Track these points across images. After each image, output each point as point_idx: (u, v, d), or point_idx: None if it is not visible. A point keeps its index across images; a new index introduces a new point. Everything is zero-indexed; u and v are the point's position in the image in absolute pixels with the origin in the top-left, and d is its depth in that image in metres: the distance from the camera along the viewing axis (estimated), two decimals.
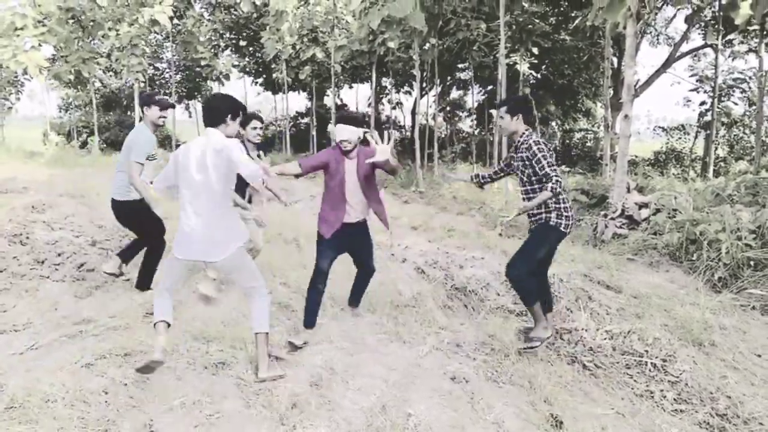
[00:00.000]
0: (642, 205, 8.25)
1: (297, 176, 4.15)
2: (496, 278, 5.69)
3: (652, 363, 3.92)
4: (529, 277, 4.04)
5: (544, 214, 4.05)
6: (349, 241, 4.41)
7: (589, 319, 4.64)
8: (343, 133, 4.12)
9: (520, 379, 3.74)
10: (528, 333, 4.19)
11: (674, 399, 3.54)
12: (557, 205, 4.02)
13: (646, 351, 4.06)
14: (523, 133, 4.10)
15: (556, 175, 3.82)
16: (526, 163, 4.03)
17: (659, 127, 24.03)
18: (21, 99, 25.29)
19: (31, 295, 5.12)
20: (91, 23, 19.95)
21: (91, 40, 21.19)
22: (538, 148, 3.92)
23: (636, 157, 21.46)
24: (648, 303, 5.12)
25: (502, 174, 4.52)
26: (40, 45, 19.76)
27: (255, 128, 5.07)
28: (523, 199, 4.18)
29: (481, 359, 4.06)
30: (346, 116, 4.21)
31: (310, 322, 4.32)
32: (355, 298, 4.86)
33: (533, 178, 4.04)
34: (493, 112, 21.70)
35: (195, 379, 3.56)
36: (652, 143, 26.24)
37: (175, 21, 23.76)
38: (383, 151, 3.91)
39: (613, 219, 8.01)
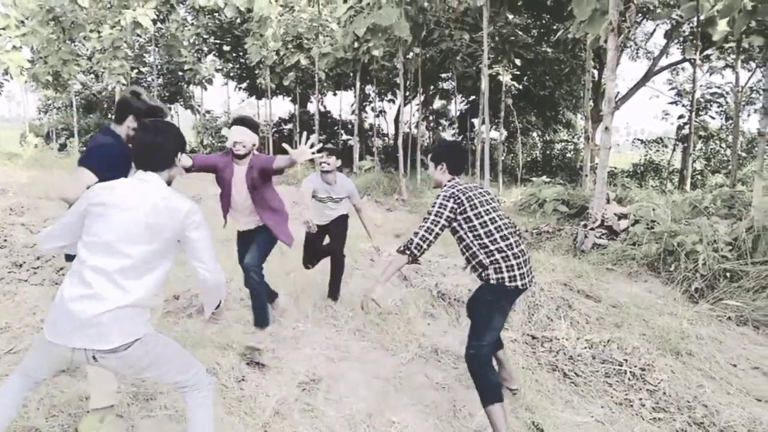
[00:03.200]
0: (621, 216, 8.38)
1: (188, 170, 3.95)
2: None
3: (631, 372, 3.97)
4: (487, 359, 3.17)
5: (480, 271, 3.23)
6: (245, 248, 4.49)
7: (570, 328, 4.70)
8: (239, 135, 4.09)
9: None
10: None
11: (653, 407, 3.59)
12: (491, 258, 3.15)
13: (626, 360, 4.12)
14: (445, 185, 3.35)
15: (422, 230, 3.13)
16: None
17: (638, 139, 24.40)
18: None
19: (9, 298, 5.04)
20: (72, 24, 19.77)
21: (71, 41, 21.00)
22: (434, 203, 3.23)
23: (615, 168, 21.78)
24: (627, 312, 5.19)
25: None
26: (20, 46, 19.55)
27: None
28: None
29: (463, 367, 4.08)
30: (244, 119, 4.21)
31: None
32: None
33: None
34: (476, 121, 21.85)
35: None
36: (631, 155, 26.63)
37: (159, 25, 23.64)
38: (302, 153, 3.69)
39: (592, 229, 8.12)
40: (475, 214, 3.18)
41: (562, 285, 5.75)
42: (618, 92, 18.93)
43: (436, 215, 3.15)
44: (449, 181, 3.36)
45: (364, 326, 4.77)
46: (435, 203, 3.20)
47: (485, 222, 3.19)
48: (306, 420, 3.23)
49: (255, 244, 4.30)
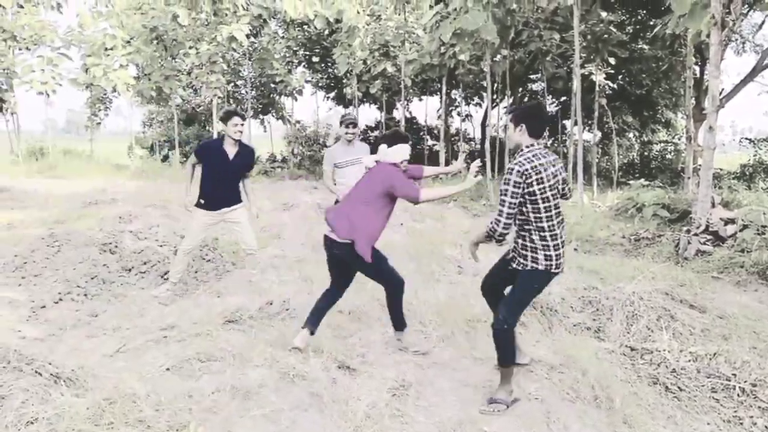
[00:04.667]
0: (728, 221, 7.88)
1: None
2: (572, 294, 5.57)
3: (740, 387, 3.73)
4: (512, 330, 3.52)
5: (529, 254, 3.45)
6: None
7: (672, 340, 4.47)
8: (405, 152, 4.24)
9: (598, 399, 3.65)
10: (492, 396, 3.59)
11: (765, 426, 3.35)
12: (543, 243, 3.40)
13: (734, 374, 3.87)
14: (522, 150, 3.45)
15: (503, 217, 3.32)
16: None
17: (746, 138, 22.82)
18: (108, 115, 26.84)
19: (119, 301, 5.43)
20: (173, 42, 21.07)
21: (172, 58, 22.35)
22: (506, 176, 3.35)
23: (720, 170, 20.45)
24: (735, 324, 4.88)
25: None
26: (127, 64, 21.05)
27: (236, 125, 5.59)
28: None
29: (556, 378, 3.98)
30: (404, 135, 4.35)
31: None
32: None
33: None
34: (567, 123, 21.26)
35: (273, 387, 3.67)
36: (738, 155, 24.97)
37: (252, 39, 24.68)
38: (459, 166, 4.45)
39: (696, 235, 7.68)
40: (540, 193, 3.33)
41: (663, 294, 5.46)
42: (722, 89, 17.83)
43: (513, 186, 3.30)
44: (530, 145, 3.44)
45: (452, 333, 4.76)
46: (507, 178, 3.32)
47: (549, 206, 3.37)
48: (396, 425, 3.26)
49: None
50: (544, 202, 3.35)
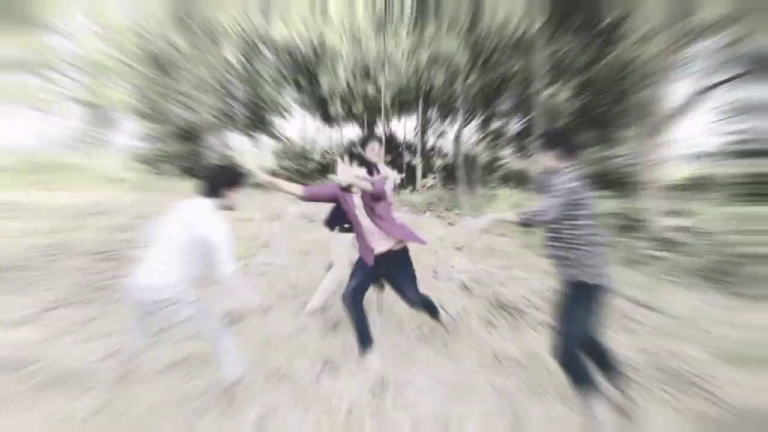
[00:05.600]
0: (678, 228, 7.99)
1: (301, 199, 4.02)
2: (537, 296, 5.60)
3: (689, 381, 3.76)
4: (577, 354, 3.14)
5: (575, 268, 3.17)
6: (384, 270, 4.17)
7: (627, 337, 4.50)
8: (339, 172, 3.99)
9: (562, 394, 3.65)
10: None
11: (713, 417, 3.38)
12: (590, 259, 3.15)
13: (686, 370, 3.91)
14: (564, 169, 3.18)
15: (547, 216, 3.02)
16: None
17: (696, 152, 23.19)
18: (105, 130, 26.41)
19: (112, 307, 5.32)
20: (169, 64, 20.93)
21: (168, 78, 22.17)
22: (562, 186, 3.07)
23: (672, 181, 20.77)
24: (685, 323, 4.93)
25: None
26: (124, 83, 20.87)
27: (373, 149, 4.94)
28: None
29: (523, 374, 3.99)
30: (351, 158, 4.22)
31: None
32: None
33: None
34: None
35: (259, 388, 3.62)
36: (689, 168, 25.34)
37: (243, 61, 24.55)
38: (343, 171, 3.80)
39: (649, 242, 7.78)
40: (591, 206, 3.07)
41: (618, 295, 5.52)
42: (673, 107, 18.16)
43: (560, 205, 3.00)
44: (567, 166, 3.16)
45: (429, 334, 4.74)
46: (563, 192, 3.02)
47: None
48: (375, 423, 3.23)
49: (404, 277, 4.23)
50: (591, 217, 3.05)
